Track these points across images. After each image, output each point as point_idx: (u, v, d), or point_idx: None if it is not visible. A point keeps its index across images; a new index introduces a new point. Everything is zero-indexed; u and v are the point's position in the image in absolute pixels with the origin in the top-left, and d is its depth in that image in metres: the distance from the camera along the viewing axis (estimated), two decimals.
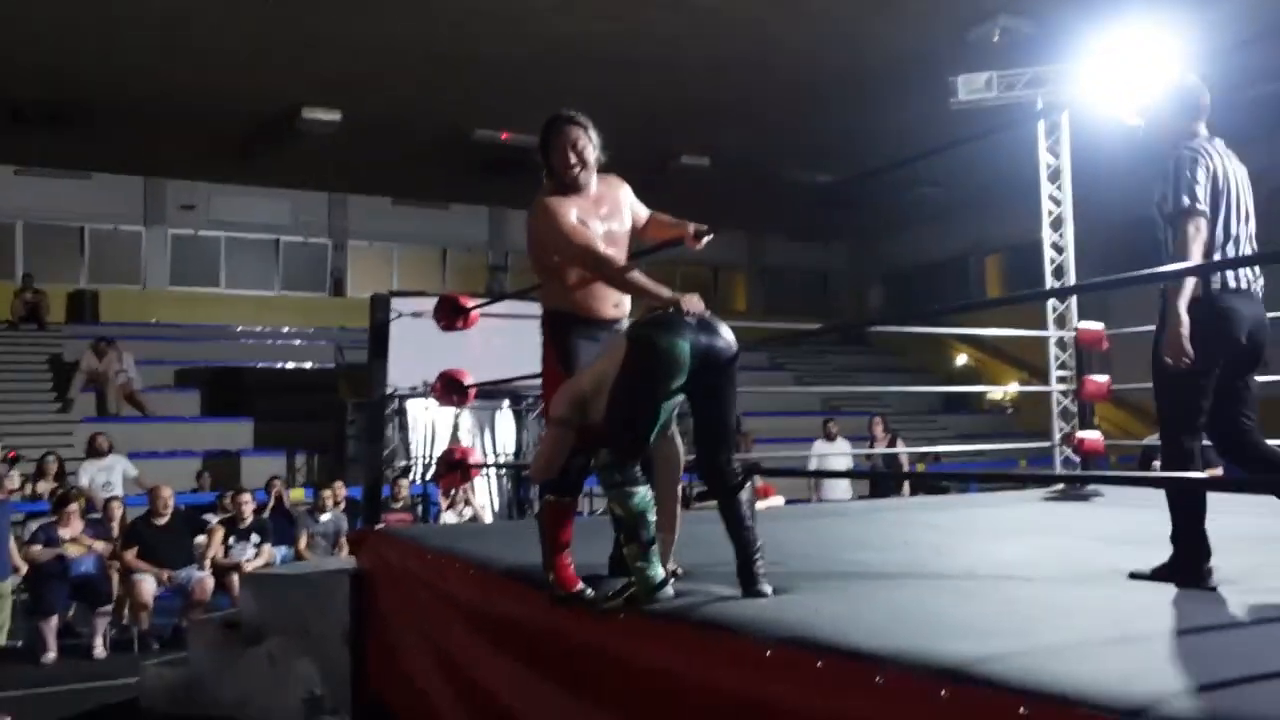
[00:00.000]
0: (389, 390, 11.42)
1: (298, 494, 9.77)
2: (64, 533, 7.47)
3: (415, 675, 4.58)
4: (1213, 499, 3.04)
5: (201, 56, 12.29)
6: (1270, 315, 3.19)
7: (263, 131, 14.76)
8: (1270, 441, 3.18)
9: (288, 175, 17.09)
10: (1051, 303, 9.65)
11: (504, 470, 10.89)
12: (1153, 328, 3.12)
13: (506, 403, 12.16)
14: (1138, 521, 5.14)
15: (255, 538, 7.97)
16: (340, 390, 13.93)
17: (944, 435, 16.93)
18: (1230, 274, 3.04)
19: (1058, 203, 9.63)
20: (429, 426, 11.79)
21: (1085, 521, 5.30)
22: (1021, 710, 1.75)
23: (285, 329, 16.96)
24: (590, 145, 3.38)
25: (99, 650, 7.30)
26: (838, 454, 11.16)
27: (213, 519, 8.25)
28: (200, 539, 8.04)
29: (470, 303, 5.30)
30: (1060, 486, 6.83)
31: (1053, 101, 9.52)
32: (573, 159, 3.36)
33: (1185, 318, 2.96)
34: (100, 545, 7.62)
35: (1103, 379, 7.05)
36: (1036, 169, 9.72)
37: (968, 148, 14.66)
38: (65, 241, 16.81)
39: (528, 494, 11.89)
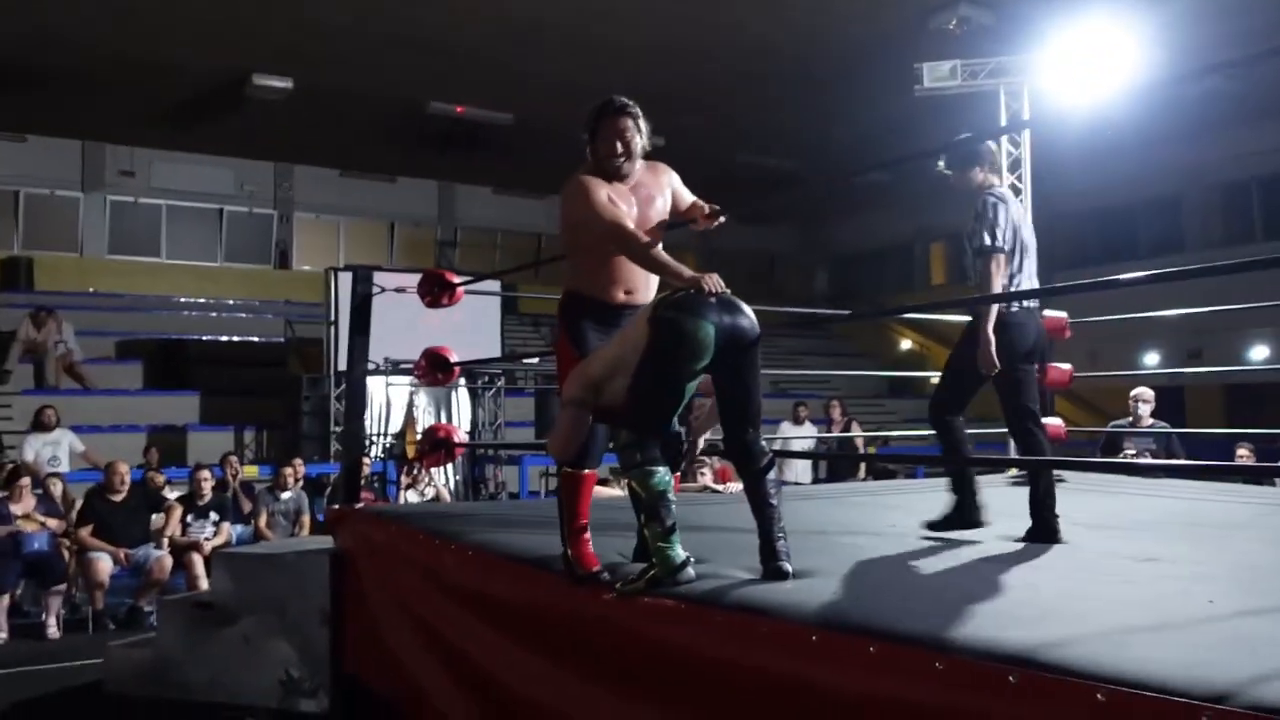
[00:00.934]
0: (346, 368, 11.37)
1: (250, 471, 9.57)
2: (15, 509, 7.24)
3: (401, 656, 4.52)
4: None
5: (148, 16, 11.95)
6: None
7: (210, 97, 14.41)
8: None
9: (233, 143, 16.71)
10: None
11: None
12: None
13: (463, 381, 12.08)
14: (1108, 508, 5.28)
15: (214, 515, 7.80)
16: (291, 365, 13.69)
17: (891, 419, 17.17)
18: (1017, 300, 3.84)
19: (1017, 191, 9.82)
20: (384, 403, 11.67)
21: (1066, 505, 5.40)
22: (1099, 697, 1.78)
23: (230, 301, 16.60)
24: (638, 136, 3.35)
25: (52, 630, 7.09)
26: (802, 437, 11.25)
27: (170, 496, 8.04)
28: (157, 516, 7.84)
29: (455, 279, 5.22)
30: (1022, 473, 6.97)
31: (1015, 91, 9.66)
32: (619, 148, 3.33)
33: (992, 338, 3.77)
34: (54, 522, 7.40)
35: (1065, 367, 7.17)
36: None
37: (921, 135, 14.91)
38: None
39: (483, 473, 11.84)
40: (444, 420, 11.42)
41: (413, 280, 5.27)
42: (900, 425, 16.39)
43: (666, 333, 3.03)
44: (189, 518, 7.73)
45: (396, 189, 18.79)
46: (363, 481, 8.35)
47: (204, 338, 14.75)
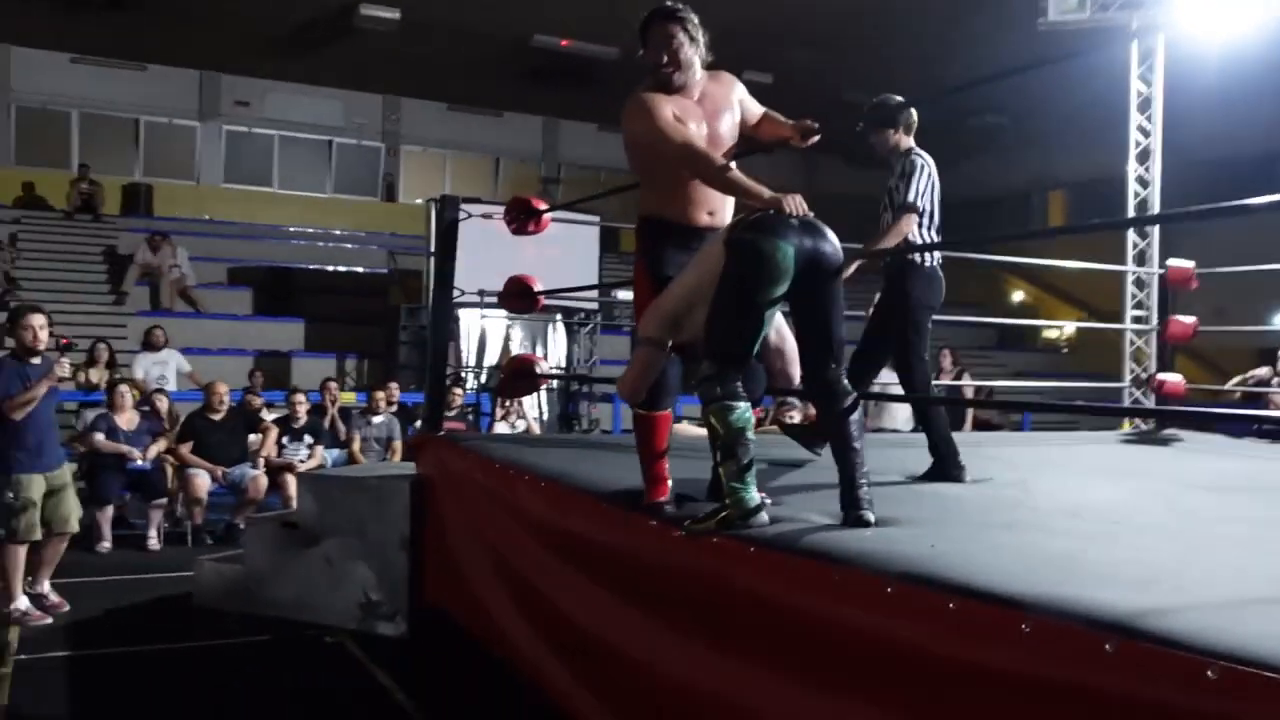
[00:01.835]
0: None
1: (348, 397, 9.70)
2: (119, 420, 7.44)
3: (477, 585, 4.49)
4: None
5: None
6: None
7: (320, 27, 14.48)
8: None
9: (343, 75, 16.83)
10: (1132, 238, 9.29)
11: (554, 384, 10.80)
12: None
13: (559, 317, 12.03)
14: (1220, 469, 4.93)
15: (308, 439, 7.92)
16: (392, 295, 13.84)
17: (1000, 371, 16.59)
18: (931, 255, 4.11)
19: (1146, 134, 9.19)
20: (480, 336, 11.70)
21: (1169, 465, 5.07)
22: (1209, 674, 1.56)
23: (337, 231, 16.84)
24: (687, 44, 3.17)
25: (153, 542, 7.32)
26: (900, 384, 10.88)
27: (268, 417, 8.19)
28: (254, 437, 8.00)
29: (541, 205, 5.09)
30: (1142, 427, 6.60)
31: (1149, 24, 9.02)
32: (665, 58, 3.16)
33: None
34: (162, 444, 7.60)
35: (1189, 320, 6.72)
36: (1123, 98, 9.27)
37: (1042, 75, 14.17)
38: (120, 133, 16.72)
39: (576, 409, 11.81)
40: (539, 356, 11.40)
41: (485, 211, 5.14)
42: (1010, 377, 15.85)
43: (744, 255, 2.86)
44: (284, 439, 7.86)
45: (502, 123, 18.74)
46: (454, 412, 8.41)
47: (311, 267, 15.01)
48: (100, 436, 7.33)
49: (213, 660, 4.91)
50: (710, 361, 2.92)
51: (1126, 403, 9.18)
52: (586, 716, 3.36)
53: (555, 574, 3.73)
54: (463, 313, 10.98)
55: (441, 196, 5.76)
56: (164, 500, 7.44)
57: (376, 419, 8.46)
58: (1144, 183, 9.09)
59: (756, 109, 3.44)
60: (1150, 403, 7.65)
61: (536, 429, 9.07)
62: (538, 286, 5.15)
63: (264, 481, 7.50)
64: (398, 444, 8.35)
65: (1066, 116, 15.08)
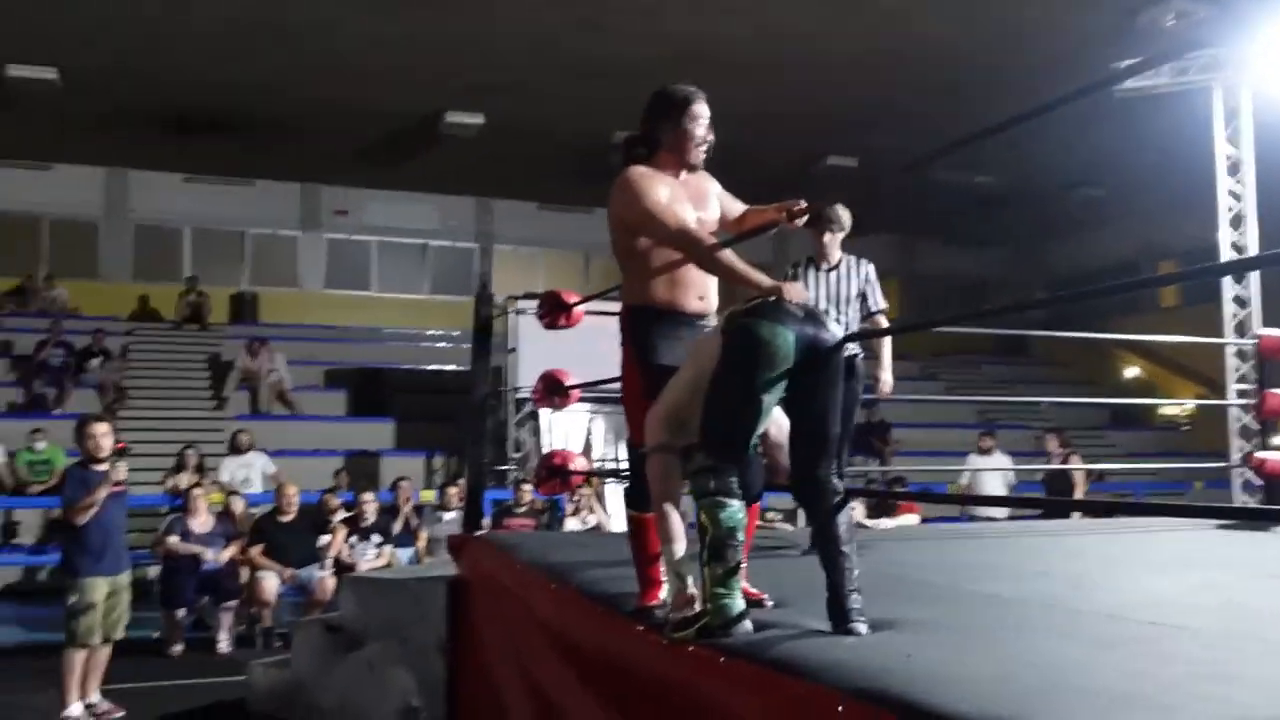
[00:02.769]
0: (516, 392, 11.45)
1: (429, 495, 9.74)
2: (193, 524, 7.59)
3: (503, 694, 4.34)
4: None
5: (348, 65, 12.57)
6: None
7: (409, 137, 15.00)
8: None
9: (435, 180, 17.35)
10: (1231, 309, 8.79)
11: None
12: None
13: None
14: None
15: (377, 538, 7.94)
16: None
17: (1111, 452, 15.82)
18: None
19: (1238, 198, 8.77)
20: (565, 432, 11.67)
21: (1259, 554, 4.65)
22: None
23: (430, 331, 17.19)
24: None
25: (223, 645, 7.39)
26: (993, 469, 10.43)
27: (337, 518, 8.26)
28: (325, 538, 8.06)
29: (573, 298, 5.02)
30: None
31: (1231, 85, 8.65)
32: (698, 136, 3.12)
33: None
34: (235, 548, 7.73)
35: None
36: (1211, 163, 8.87)
37: (1130, 147, 13.73)
38: (228, 245, 17.53)
39: None
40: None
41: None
42: (1121, 458, 15.07)
43: (742, 341, 2.71)
44: (353, 539, 7.89)
45: (592, 218, 18.97)
46: (524, 509, 8.34)
47: (404, 366, 15.31)
48: (174, 539, 7.49)
49: None
50: (705, 454, 2.76)
51: (1236, 485, 8.60)
52: None
53: (562, 681, 3.56)
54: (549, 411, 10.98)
55: (477, 292, 5.76)
56: (234, 602, 7.51)
57: (448, 516, 8.45)
58: (1239, 248, 8.64)
59: (737, 206, 3.38)
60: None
61: (608, 523, 8.92)
62: (569, 379, 5.06)
63: (331, 582, 7.52)
64: None
65: (1167, 185, 14.52)
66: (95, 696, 5.59)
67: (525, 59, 12.52)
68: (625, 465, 3.84)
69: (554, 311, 4.97)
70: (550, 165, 16.37)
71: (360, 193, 17.70)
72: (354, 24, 11.59)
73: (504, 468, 11.00)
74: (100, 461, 5.63)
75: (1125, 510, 5.13)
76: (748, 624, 2.64)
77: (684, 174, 3.19)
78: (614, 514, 9.73)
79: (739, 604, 2.67)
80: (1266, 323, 7.95)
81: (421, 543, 8.26)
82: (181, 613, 7.40)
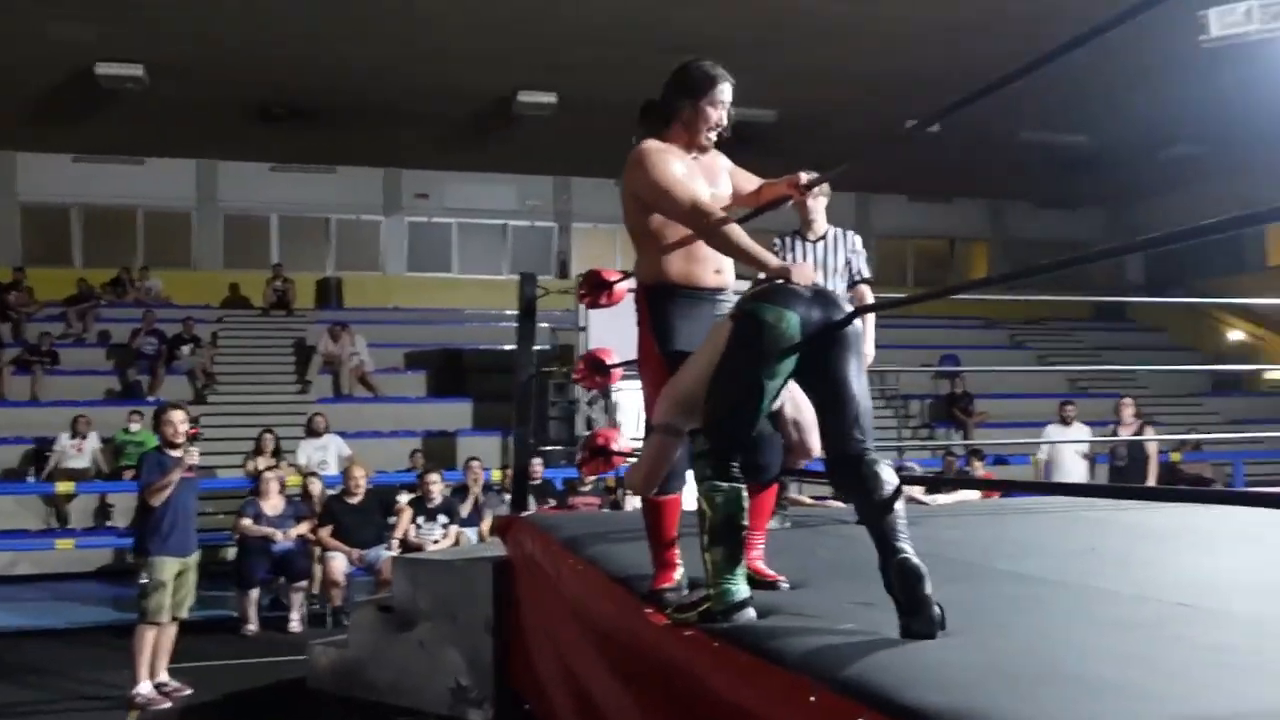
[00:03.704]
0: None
1: (500, 475, 9.80)
2: (265, 506, 7.78)
3: (541, 672, 4.34)
4: None
5: (422, 49, 12.63)
6: None
7: (485, 118, 15.07)
8: None
9: (513, 160, 17.40)
10: None
11: None
12: None
13: None
14: None
15: (443, 519, 8.02)
16: (555, 372, 14.03)
17: (1212, 420, 15.16)
18: None
19: None
20: (638, 410, 11.62)
21: None
22: None
23: (509, 311, 17.30)
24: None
25: (295, 624, 7.56)
26: (1073, 441, 10.06)
27: (403, 499, 8.37)
28: (393, 519, 8.18)
29: (613, 276, 4.96)
30: None
31: None
32: (713, 120, 3.03)
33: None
34: (305, 527, 7.90)
35: None
36: None
37: (1226, 99, 13.04)
38: (313, 232, 17.89)
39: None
40: None
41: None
42: (1223, 426, 14.44)
43: (747, 325, 2.63)
44: (419, 520, 7.98)
45: None
46: (589, 487, 8.34)
47: (482, 347, 15.45)
48: (247, 521, 7.69)
49: None
50: (706, 438, 2.70)
51: None
52: None
53: (587, 659, 3.54)
54: (620, 388, 10.95)
55: (521, 274, 5.74)
56: (304, 583, 7.68)
57: (509, 496, 8.47)
58: None
59: (749, 181, 3.31)
60: None
61: None
62: (611, 358, 5.00)
63: None
64: None
65: (1266, 138, 13.78)
66: (164, 675, 5.77)
67: (594, 35, 12.45)
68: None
69: (595, 290, 4.91)
70: (626, 142, 16.15)
71: (440, 175, 17.86)
72: (425, 6, 11.66)
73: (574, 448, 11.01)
74: (176, 446, 5.78)
75: (1164, 496, 4.85)
76: (750, 611, 2.56)
77: (695, 151, 3.11)
78: None
79: (741, 590, 2.59)
80: None
81: (486, 523, 8.31)
82: (255, 593, 7.60)
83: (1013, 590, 2.81)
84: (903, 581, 2.27)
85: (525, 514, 5.31)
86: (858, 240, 4.99)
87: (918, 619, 2.22)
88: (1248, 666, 1.87)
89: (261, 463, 9.59)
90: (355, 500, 7.96)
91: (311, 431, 10.62)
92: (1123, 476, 10.25)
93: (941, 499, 5.54)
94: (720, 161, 3.23)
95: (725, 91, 3.03)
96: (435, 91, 14.05)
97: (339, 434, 11.40)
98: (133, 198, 16.75)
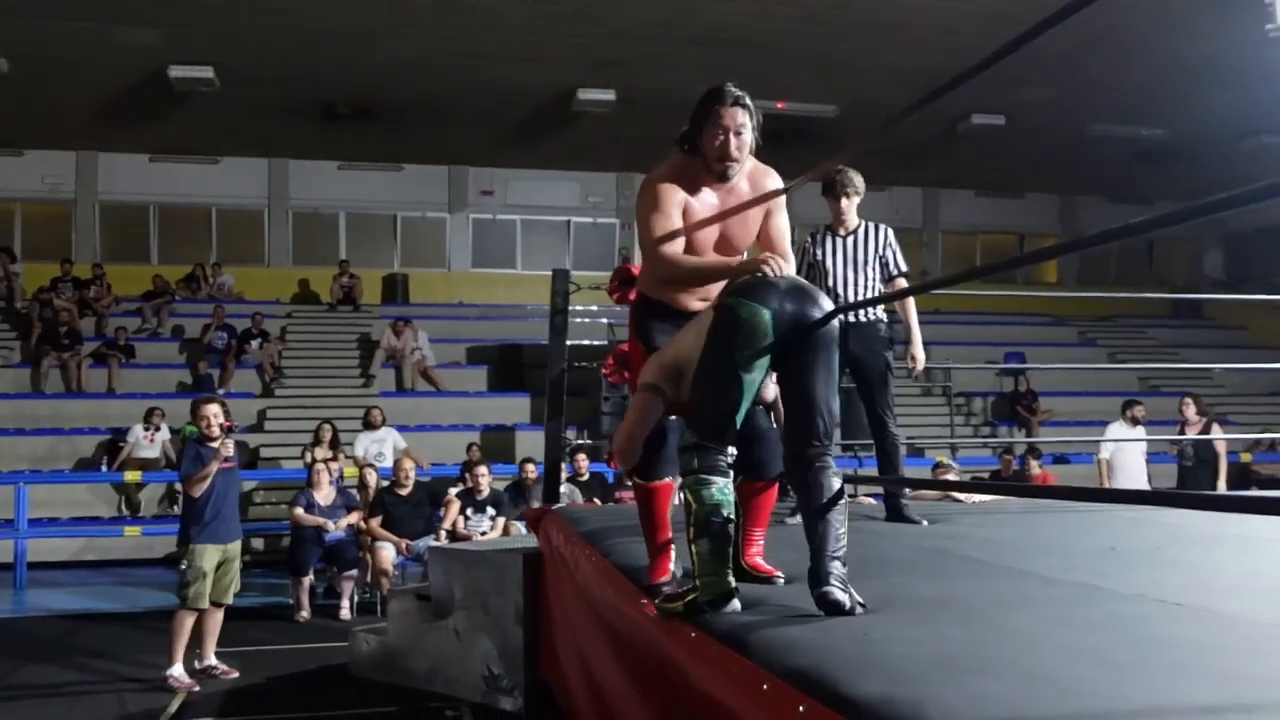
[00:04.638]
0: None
1: None
2: (317, 496, 7.97)
3: (564, 661, 4.40)
4: None
5: (482, 48, 12.82)
6: None
7: (546, 116, 15.21)
8: None
9: (575, 157, 17.54)
10: None
11: None
12: None
13: None
14: None
15: (491, 510, 8.13)
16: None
17: None
18: None
19: None
20: None
21: None
22: None
23: (572, 306, 17.41)
24: (751, 138, 2.91)
25: (344, 612, 7.74)
26: (1133, 440, 9.80)
27: (452, 491, 8.51)
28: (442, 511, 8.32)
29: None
30: None
31: None
32: (731, 145, 2.88)
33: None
34: (355, 516, 8.09)
35: None
36: None
37: None
38: (380, 229, 18.22)
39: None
40: None
41: None
42: None
43: (722, 319, 2.71)
44: (468, 511, 8.11)
45: None
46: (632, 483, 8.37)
47: (542, 342, 15.53)
48: (299, 510, 7.88)
49: None
50: (690, 431, 2.75)
51: None
52: None
53: (596, 647, 3.59)
54: None
55: (554, 270, 5.80)
56: (354, 572, 7.85)
57: (559, 489, 8.55)
58: None
59: (778, 224, 3.09)
60: None
61: None
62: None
63: None
64: None
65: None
66: (211, 658, 5.96)
67: (651, 31, 12.50)
68: None
69: (624, 286, 4.94)
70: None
71: (504, 172, 18.07)
72: (483, 5, 11.80)
73: None
74: (213, 439, 5.96)
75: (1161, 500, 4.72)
76: (735, 603, 2.58)
77: (731, 180, 2.97)
78: None
79: (726, 582, 2.62)
80: None
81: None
82: (308, 581, 7.79)
83: (1005, 587, 2.78)
84: (826, 610, 2.41)
85: (556, 507, 5.37)
86: (891, 234, 4.97)
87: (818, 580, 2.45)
88: (1198, 666, 1.84)
89: (319, 453, 9.83)
90: (404, 492, 8.12)
91: (368, 425, 10.85)
92: (1190, 476, 9.98)
93: (978, 497, 5.46)
94: (766, 185, 3.04)
95: (727, 115, 2.87)
96: (496, 90, 14.22)
97: (400, 427, 11.62)
98: (207, 196, 17.24)
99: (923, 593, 2.66)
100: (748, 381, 2.67)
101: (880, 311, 4.78)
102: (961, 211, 19.36)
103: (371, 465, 9.44)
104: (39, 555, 10.34)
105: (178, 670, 5.76)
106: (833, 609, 2.40)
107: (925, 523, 4.47)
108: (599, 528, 4.29)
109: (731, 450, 3.21)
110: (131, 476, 10.86)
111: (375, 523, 7.96)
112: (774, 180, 3.08)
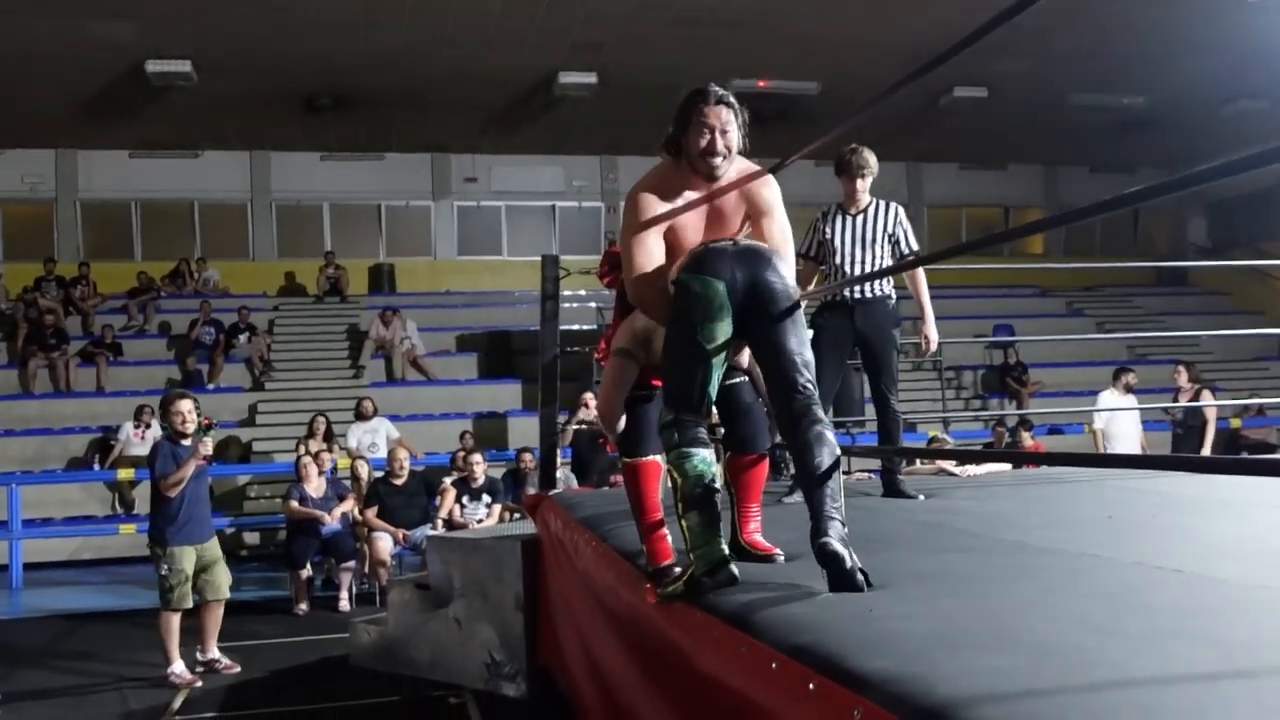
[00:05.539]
0: None
1: None
2: (308, 489, 7.96)
3: (565, 647, 4.42)
4: None
5: (461, 34, 12.73)
6: None
7: (528, 101, 15.14)
8: None
9: (558, 141, 17.46)
10: None
11: None
12: None
13: None
14: None
15: (486, 498, 8.14)
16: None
17: (1277, 385, 14.76)
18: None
19: None
20: None
21: None
22: None
23: (561, 292, 17.39)
24: (737, 137, 2.86)
25: (343, 604, 7.75)
26: (1124, 409, 9.84)
27: (447, 480, 8.51)
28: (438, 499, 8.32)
29: None
30: None
31: None
32: (717, 144, 2.83)
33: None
34: (348, 503, 8.08)
35: None
36: None
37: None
38: (364, 219, 18.14)
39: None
40: None
41: None
42: None
43: (678, 295, 2.76)
44: (464, 500, 8.11)
45: None
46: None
47: (531, 328, 15.55)
48: (294, 503, 7.87)
49: None
50: (667, 408, 2.79)
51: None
52: None
53: (597, 632, 3.61)
54: None
55: (543, 256, 5.79)
56: (351, 563, 7.86)
57: (556, 475, 8.57)
58: None
59: (775, 229, 2.97)
60: None
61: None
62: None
63: None
64: None
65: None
66: (214, 652, 5.96)
67: (629, 11, 12.42)
68: None
69: (614, 270, 4.94)
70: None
71: (488, 159, 17.98)
72: None
73: None
74: (186, 436, 5.89)
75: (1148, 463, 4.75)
76: (732, 568, 2.59)
77: (719, 179, 2.90)
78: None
79: (720, 550, 2.63)
80: None
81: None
82: (306, 573, 7.79)
83: (1004, 560, 2.80)
84: (824, 562, 2.40)
85: (552, 493, 5.38)
86: (902, 213, 4.93)
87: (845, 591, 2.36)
88: (1201, 632, 1.86)
89: (313, 446, 9.81)
90: (400, 482, 8.12)
91: (360, 415, 10.83)
92: (1184, 443, 10.06)
93: (973, 469, 5.49)
94: (757, 198, 2.94)
95: (711, 114, 2.83)
96: (476, 76, 14.12)
97: (392, 417, 11.61)
98: (189, 191, 17.12)
99: (923, 567, 2.68)
100: (711, 351, 2.71)
101: (889, 287, 4.79)
102: (946, 185, 19.36)
103: (363, 457, 9.42)
104: (34, 556, 10.32)
105: (178, 667, 5.76)
106: (831, 560, 2.39)
107: (921, 497, 4.50)
108: (598, 513, 4.30)
109: (719, 428, 3.26)
110: (124, 474, 10.83)
111: (371, 513, 7.96)
112: (767, 183, 2.98)
